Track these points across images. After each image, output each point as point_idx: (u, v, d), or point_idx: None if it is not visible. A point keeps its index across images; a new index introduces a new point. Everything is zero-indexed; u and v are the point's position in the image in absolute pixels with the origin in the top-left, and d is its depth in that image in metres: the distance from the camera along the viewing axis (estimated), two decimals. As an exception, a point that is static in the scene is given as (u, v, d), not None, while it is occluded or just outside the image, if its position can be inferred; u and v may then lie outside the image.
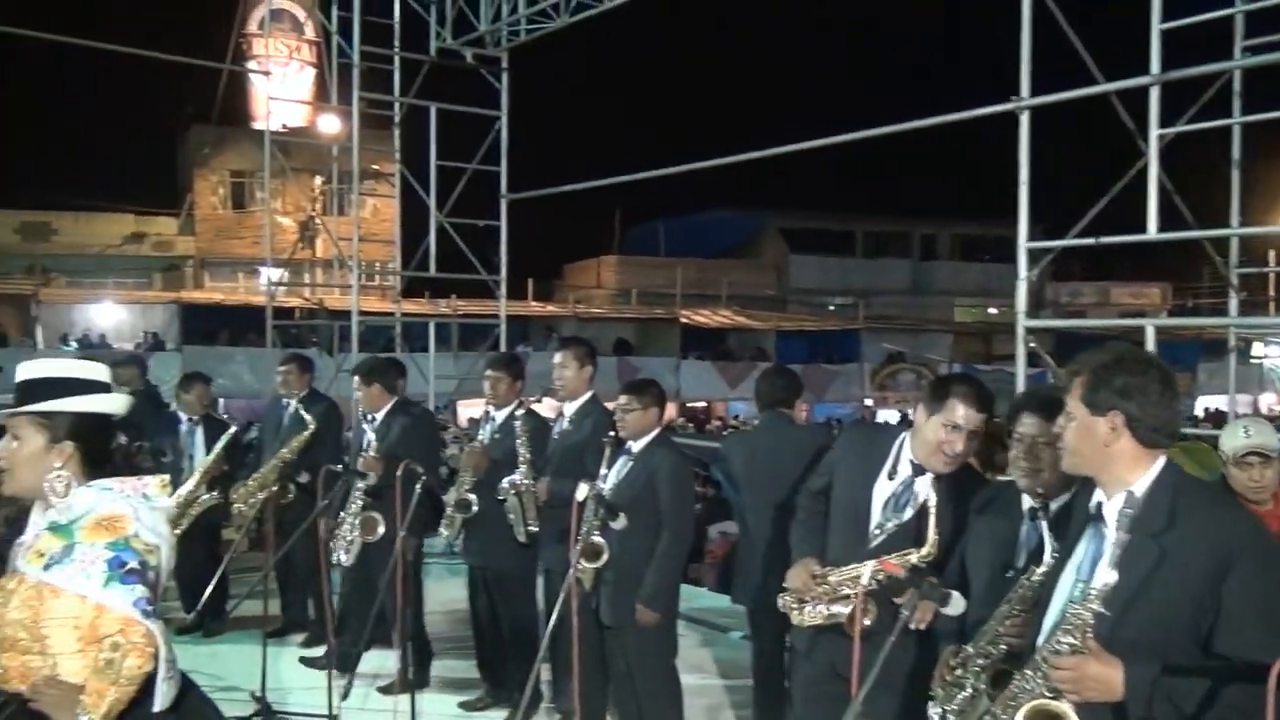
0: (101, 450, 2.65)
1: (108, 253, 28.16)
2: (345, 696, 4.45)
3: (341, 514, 5.76)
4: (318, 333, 22.76)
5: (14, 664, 2.43)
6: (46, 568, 2.45)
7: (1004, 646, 2.64)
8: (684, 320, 27.61)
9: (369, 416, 5.86)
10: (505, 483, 5.22)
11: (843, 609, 3.33)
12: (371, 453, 5.69)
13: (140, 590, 2.44)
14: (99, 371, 2.69)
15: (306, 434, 6.37)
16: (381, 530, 5.53)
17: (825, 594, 3.40)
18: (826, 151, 8.93)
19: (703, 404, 27.70)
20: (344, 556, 5.75)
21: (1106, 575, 2.19)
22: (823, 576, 3.41)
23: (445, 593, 7.44)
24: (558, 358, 5.17)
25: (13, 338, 22.18)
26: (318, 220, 28.19)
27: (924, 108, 8.34)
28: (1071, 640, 2.22)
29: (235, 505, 6.47)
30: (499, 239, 11.70)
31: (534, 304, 27.08)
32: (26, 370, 2.62)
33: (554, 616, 4.27)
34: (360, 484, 5.71)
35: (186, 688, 2.64)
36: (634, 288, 30.60)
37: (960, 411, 3.26)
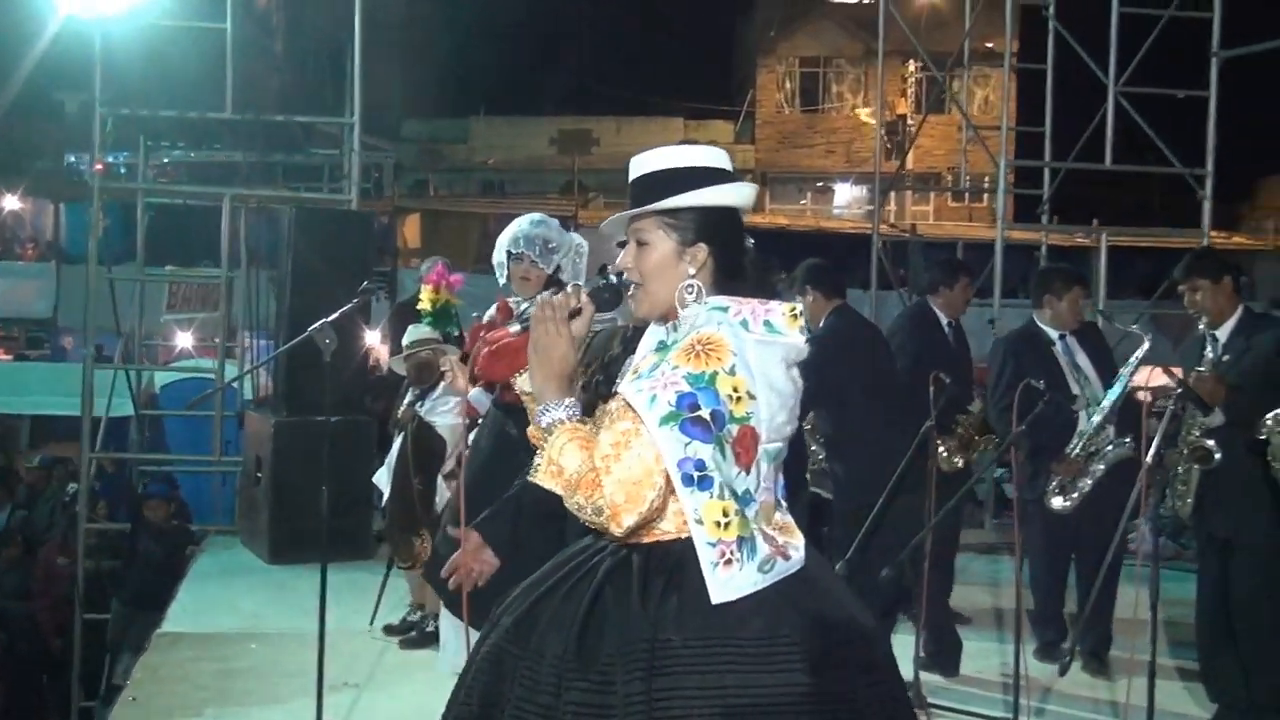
0: (736, 254, 2.82)
1: (654, 167, 30.71)
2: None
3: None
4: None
5: None
6: (631, 381, 2.66)
7: None
8: None
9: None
10: (1270, 418, 5.16)
11: None
12: None
13: (698, 450, 2.52)
14: (720, 158, 2.86)
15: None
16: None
17: None
18: None
19: None
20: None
21: None
22: None
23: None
24: None
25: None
26: (910, 120, 28.73)
27: None
28: None
29: None
30: (1204, 118, 10.88)
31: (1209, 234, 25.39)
32: (641, 165, 2.83)
33: None
34: None
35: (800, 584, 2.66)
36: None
37: None
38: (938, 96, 22.50)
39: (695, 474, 2.54)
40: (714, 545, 2.58)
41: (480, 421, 6.31)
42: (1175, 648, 6.66)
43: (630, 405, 2.59)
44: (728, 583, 2.59)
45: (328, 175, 17.26)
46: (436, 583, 6.22)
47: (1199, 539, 5.94)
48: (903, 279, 13.87)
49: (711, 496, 2.57)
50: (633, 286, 2.83)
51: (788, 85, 31.74)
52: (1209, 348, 5.67)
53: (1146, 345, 6.36)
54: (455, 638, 5.92)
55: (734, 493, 2.60)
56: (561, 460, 2.61)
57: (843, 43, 30.91)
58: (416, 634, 6.77)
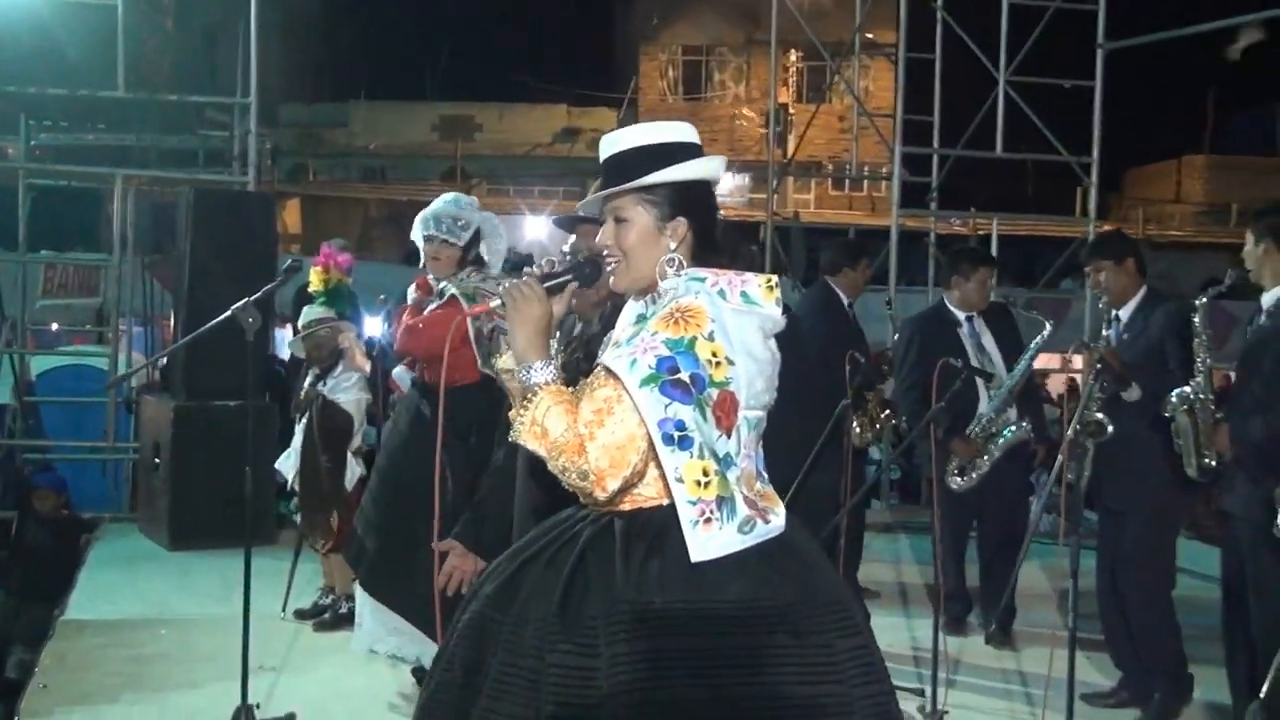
0: (712, 225, 2.90)
1: (536, 153, 30.82)
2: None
3: None
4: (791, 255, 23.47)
5: None
6: (611, 350, 2.74)
7: None
8: (1313, 252, 25.52)
9: None
10: (1175, 396, 5.24)
11: None
12: None
13: (678, 411, 2.59)
14: (689, 132, 2.92)
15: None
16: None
17: None
18: None
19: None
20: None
21: None
22: None
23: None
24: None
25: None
26: (791, 110, 29.06)
27: None
28: None
29: None
30: (1081, 107, 11.29)
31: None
32: (613, 144, 2.89)
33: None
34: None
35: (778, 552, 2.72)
36: (1235, 203, 28.66)
37: None
38: (819, 86, 22.81)
39: (675, 434, 2.61)
40: (694, 504, 2.64)
41: (397, 402, 6.33)
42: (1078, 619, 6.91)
43: (611, 371, 2.65)
44: (708, 541, 2.65)
45: (203, 159, 16.84)
46: (351, 563, 6.23)
47: (1098, 511, 6.15)
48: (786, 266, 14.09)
49: (692, 456, 2.63)
50: (612, 262, 2.88)
51: (670, 73, 31.85)
52: (1108, 327, 5.86)
53: (1048, 330, 6.56)
54: (370, 617, 5.92)
55: (715, 454, 2.66)
56: (546, 423, 2.66)
57: (725, 31, 31.11)
58: (330, 616, 6.74)
